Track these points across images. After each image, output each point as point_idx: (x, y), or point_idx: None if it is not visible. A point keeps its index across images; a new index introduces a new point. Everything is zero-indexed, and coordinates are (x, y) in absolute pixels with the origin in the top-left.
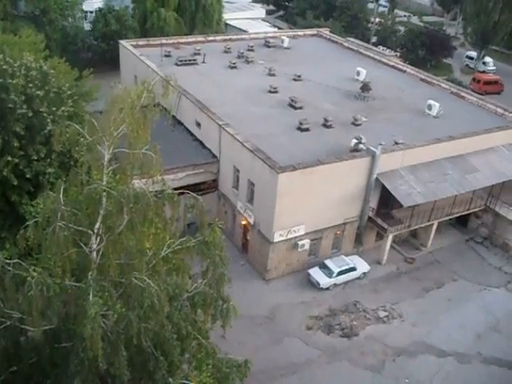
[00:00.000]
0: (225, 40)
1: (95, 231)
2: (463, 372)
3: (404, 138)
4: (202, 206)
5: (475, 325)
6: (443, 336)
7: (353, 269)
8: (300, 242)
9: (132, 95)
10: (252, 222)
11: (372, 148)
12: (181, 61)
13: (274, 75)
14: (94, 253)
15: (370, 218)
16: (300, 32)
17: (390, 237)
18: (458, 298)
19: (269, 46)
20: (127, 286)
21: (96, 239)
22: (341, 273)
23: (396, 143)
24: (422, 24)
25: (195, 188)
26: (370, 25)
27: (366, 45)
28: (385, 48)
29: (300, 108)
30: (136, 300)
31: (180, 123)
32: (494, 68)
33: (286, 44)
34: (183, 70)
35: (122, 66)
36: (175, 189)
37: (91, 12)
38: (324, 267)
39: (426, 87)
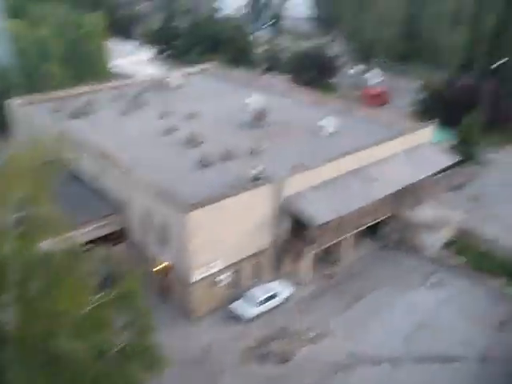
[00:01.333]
0: (115, 87)
1: (5, 301)
2: (399, 376)
3: (304, 159)
4: (114, 257)
5: (402, 327)
6: (375, 344)
7: (276, 294)
8: (219, 277)
9: (27, 155)
10: (168, 265)
11: (275, 174)
12: (73, 113)
13: (168, 115)
14: (9, 324)
15: (285, 242)
16: (190, 69)
17: (308, 256)
18: (381, 304)
19: (160, 87)
20: (52, 352)
21: (7, 309)
22: (265, 300)
23: (297, 166)
24: (306, 47)
25: (105, 240)
26: (256, 53)
27: (255, 74)
28: (274, 74)
29: (199, 144)
30: (62, 365)
31: (80, 176)
32: (379, 81)
33: (177, 83)
34: (77, 123)
35: (13, 126)
36: (85, 244)
37: None
38: (247, 298)
39: (317, 108)
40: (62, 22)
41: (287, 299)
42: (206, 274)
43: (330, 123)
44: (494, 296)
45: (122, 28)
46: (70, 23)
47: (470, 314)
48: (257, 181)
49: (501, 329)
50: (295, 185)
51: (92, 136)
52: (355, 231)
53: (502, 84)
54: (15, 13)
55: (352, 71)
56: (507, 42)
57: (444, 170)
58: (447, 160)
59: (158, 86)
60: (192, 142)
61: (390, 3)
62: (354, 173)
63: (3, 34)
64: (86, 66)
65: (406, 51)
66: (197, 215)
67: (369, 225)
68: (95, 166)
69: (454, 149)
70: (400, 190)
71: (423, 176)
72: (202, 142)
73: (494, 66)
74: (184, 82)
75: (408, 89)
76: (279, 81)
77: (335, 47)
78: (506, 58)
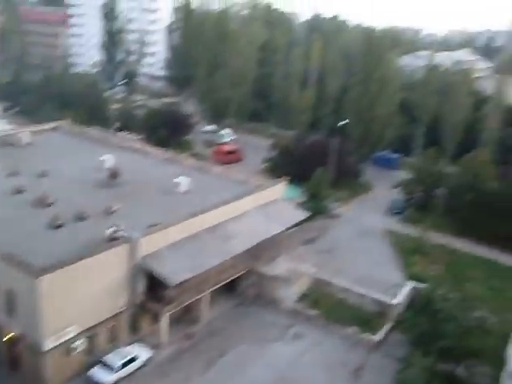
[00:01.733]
0: None
1: None
2: None
3: (160, 218)
4: None
5: (265, 381)
6: None
7: (134, 359)
8: (75, 344)
9: None
10: (19, 334)
11: (130, 234)
12: None
13: (17, 175)
14: None
15: (142, 303)
16: (40, 127)
17: (165, 317)
18: (243, 360)
19: (8, 145)
20: None
21: None
22: (123, 365)
23: (153, 225)
24: (160, 105)
25: None
26: (110, 111)
27: (108, 132)
28: (128, 132)
29: (51, 205)
30: None
31: None
32: (232, 139)
33: (26, 141)
34: None
35: None
36: None
37: None
38: (104, 364)
39: (172, 166)
40: None
41: (146, 363)
42: (60, 340)
43: (184, 181)
44: (349, 344)
45: None
46: None
47: (328, 364)
48: (112, 241)
49: (356, 375)
50: (151, 244)
51: None
52: (214, 288)
53: (346, 141)
54: None
55: (206, 129)
56: (349, 102)
57: (297, 225)
58: (299, 215)
59: (6, 143)
60: (43, 201)
61: (241, 63)
62: (210, 230)
63: None
64: None
65: (258, 110)
66: (48, 279)
67: (227, 281)
68: None
69: (305, 204)
70: (255, 245)
71: (277, 231)
72: (54, 202)
73: (340, 124)
74: (35, 140)
75: (260, 146)
76: (134, 139)
77: (189, 106)
78: (347, 120)
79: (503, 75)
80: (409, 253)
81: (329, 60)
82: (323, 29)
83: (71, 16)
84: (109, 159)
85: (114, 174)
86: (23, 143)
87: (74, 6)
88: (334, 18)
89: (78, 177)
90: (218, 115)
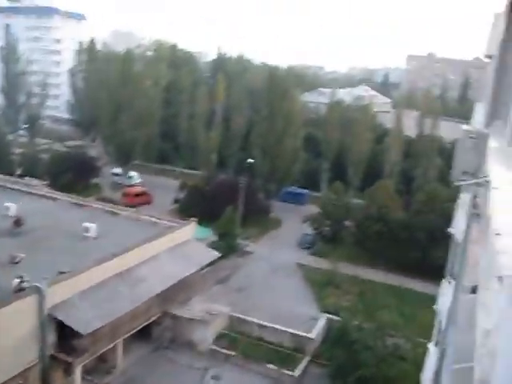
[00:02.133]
0: None
1: None
2: None
3: (69, 265)
4: None
5: None
6: None
7: None
8: None
9: None
10: None
11: (37, 284)
12: None
13: None
14: None
15: (52, 356)
16: None
17: (78, 369)
18: None
19: None
20: None
21: None
22: None
23: (61, 273)
24: (65, 149)
25: None
26: (12, 156)
27: (11, 178)
28: (32, 178)
29: None
30: None
31: None
32: (140, 180)
33: None
34: None
35: None
36: None
37: None
38: None
39: (79, 210)
40: None
41: None
42: None
43: (93, 225)
44: (269, 382)
45: None
46: None
47: None
48: (18, 292)
49: None
50: (60, 293)
51: None
52: (128, 335)
53: (254, 179)
54: None
55: (113, 172)
56: (255, 139)
57: (209, 265)
58: (211, 255)
59: None
60: None
61: (146, 105)
62: (121, 275)
63: None
64: None
65: (165, 151)
66: None
67: (141, 326)
68: None
69: (216, 243)
70: (168, 288)
71: (189, 272)
72: None
73: (247, 162)
74: None
75: (169, 187)
76: (39, 184)
77: (95, 148)
78: (252, 160)
79: (400, 109)
80: (322, 286)
81: (234, 98)
82: (228, 68)
83: None
84: (12, 206)
85: (18, 222)
86: None
87: None
88: (239, 57)
89: None
90: (124, 157)
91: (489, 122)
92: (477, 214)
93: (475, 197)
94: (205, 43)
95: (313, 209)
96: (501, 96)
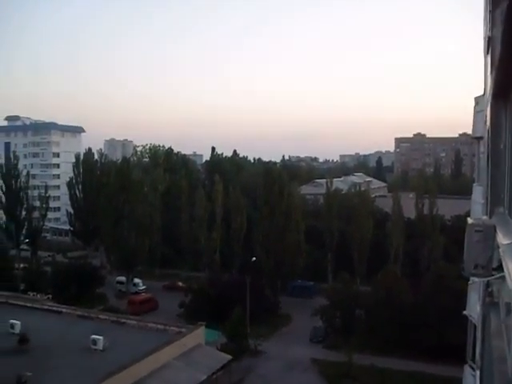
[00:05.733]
0: None
1: None
2: None
3: (76, 381)
4: None
5: None
6: None
7: None
8: None
9: None
10: None
11: None
12: None
13: None
14: None
15: None
16: None
17: None
18: None
19: None
20: None
21: None
22: None
23: None
24: (67, 260)
25: None
26: (15, 272)
27: (14, 294)
28: (35, 293)
29: None
30: None
31: None
32: (145, 287)
33: None
34: None
35: None
36: None
37: None
38: None
39: (85, 323)
40: None
41: None
42: None
43: (100, 338)
44: None
45: None
46: None
47: None
48: None
49: None
50: None
51: None
52: None
53: (259, 276)
54: None
55: (117, 280)
56: (257, 237)
57: (221, 369)
58: (222, 358)
59: None
60: None
61: (146, 211)
62: None
63: None
64: None
65: (168, 255)
66: None
67: None
68: None
69: (227, 345)
70: None
71: (201, 379)
72: None
73: (251, 260)
74: None
75: (174, 292)
76: (43, 299)
77: (98, 258)
78: (256, 258)
79: (396, 192)
80: (339, 380)
81: (232, 198)
82: (223, 168)
83: None
84: (17, 323)
85: (23, 339)
86: None
87: None
88: (233, 156)
89: None
90: (127, 265)
91: (492, 210)
92: (493, 302)
93: (489, 285)
94: (198, 145)
95: (321, 301)
96: (499, 182)
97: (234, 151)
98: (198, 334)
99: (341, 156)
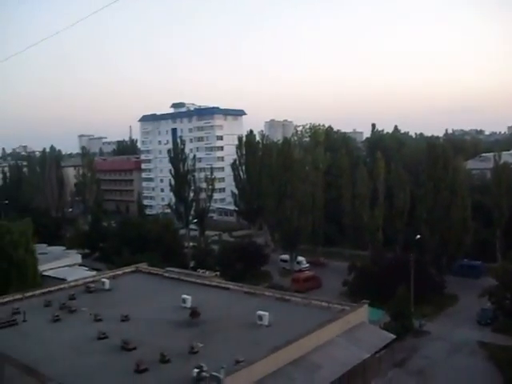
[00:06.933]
0: (44, 293)
1: None
2: None
3: (244, 354)
4: None
5: None
6: None
7: None
8: None
9: None
10: None
11: (215, 373)
12: None
13: (100, 320)
14: None
15: None
16: (119, 271)
17: None
18: None
19: (90, 291)
20: None
21: None
22: None
23: (238, 362)
24: (232, 239)
25: None
26: (185, 250)
27: (185, 271)
28: (204, 270)
29: (133, 349)
30: None
31: None
32: (308, 265)
33: (107, 286)
34: (2, 334)
35: None
36: None
37: None
38: None
39: (251, 299)
40: None
41: None
42: None
43: (265, 313)
44: None
45: (50, 232)
46: None
47: None
48: (198, 382)
49: None
50: (237, 382)
51: (20, 347)
52: None
53: (424, 255)
54: None
55: (281, 258)
56: (421, 215)
57: (384, 347)
58: (385, 337)
59: (89, 289)
60: (126, 346)
61: (308, 190)
62: (296, 362)
63: None
64: (15, 273)
65: (330, 234)
66: None
67: None
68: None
69: (390, 324)
70: (345, 373)
71: (365, 357)
72: (137, 346)
73: (415, 238)
74: (115, 284)
75: (337, 270)
76: (211, 275)
77: (262, 236)
78: (420, 235)
79: None
80: (509, 366)
81: (394, 174)
82: (384, 144)
83: (143, 162)
84: (188, 298)
85: (194, 313)
86: (105, 288)
87: (144, 152)
88: (394, 131)
89: (158, 318)
90: (290, 243)
91: None
92: None
93: None
94: (358, 122)
95: (489, 281)
96: None
97: (395, 127)
98: (362, 312)
99: (509, 127)
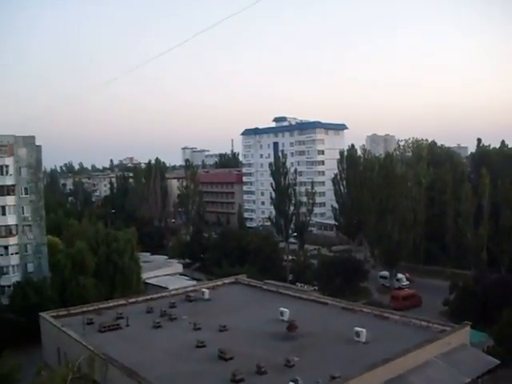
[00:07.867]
0: (146, 300)
1: None
2: None
3: (340, 370)
4: None
5: None
6: None
7: None
8: None
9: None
10: None
11: None
12: (104, 327)
13: (199, 329)
14: None
15: None
16: (219, 282)
17: None
18: None
19: (190, 300)
20: None
21: None
22: None
23: (333, 377)
24: (331, 254)
25: None
26: (284, 263)
27: (284, 284)
28: (302, 284)
29: (230, 359)
30: None
31: None
32: (408, 283)
33: (206, 296)
34: (107, 336)
35: (43, 339)
36: None
37: (9, 286)
38: None
39: (349, 315)
40: (96, 236)
41: None
42: None
43: (363, 330)
44: None
45: (153, 241)
46: (104, 238)
47: None
48: None
49: None
50: None
51: (122, 350)
52: None
53: None
54: (53, 228)
55: (380, 275)
56: None
57: (487, 372)
58: (488, 362)
59: (189, 298)
60: (223, 356)
61: (410, 206)
62: (393, 381)
63: (42, 249)
64: (120, 279)
65: (432, 251)
66: None
67: None
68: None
69: (494, 348)
70: None
71: (466, 380)
72: (234, 356)
73: None
74: (215, 295)
75: (438, 289)
76: (309, 289)
77: (361, 252)
78: None
79: None
80: None
81: (501, 191)
82: (490, 159)
83: (244, 175)
84: (286, 311)
85: (291, 326)
86: (204, 298)
87: (246, 165)
88: (501, 146)
89: (256, 330)
90: (391, 260)
91: None
92: None
93: None
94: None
95: None
96: None
97: (502, 141)
98: (463, 334)
99: None
